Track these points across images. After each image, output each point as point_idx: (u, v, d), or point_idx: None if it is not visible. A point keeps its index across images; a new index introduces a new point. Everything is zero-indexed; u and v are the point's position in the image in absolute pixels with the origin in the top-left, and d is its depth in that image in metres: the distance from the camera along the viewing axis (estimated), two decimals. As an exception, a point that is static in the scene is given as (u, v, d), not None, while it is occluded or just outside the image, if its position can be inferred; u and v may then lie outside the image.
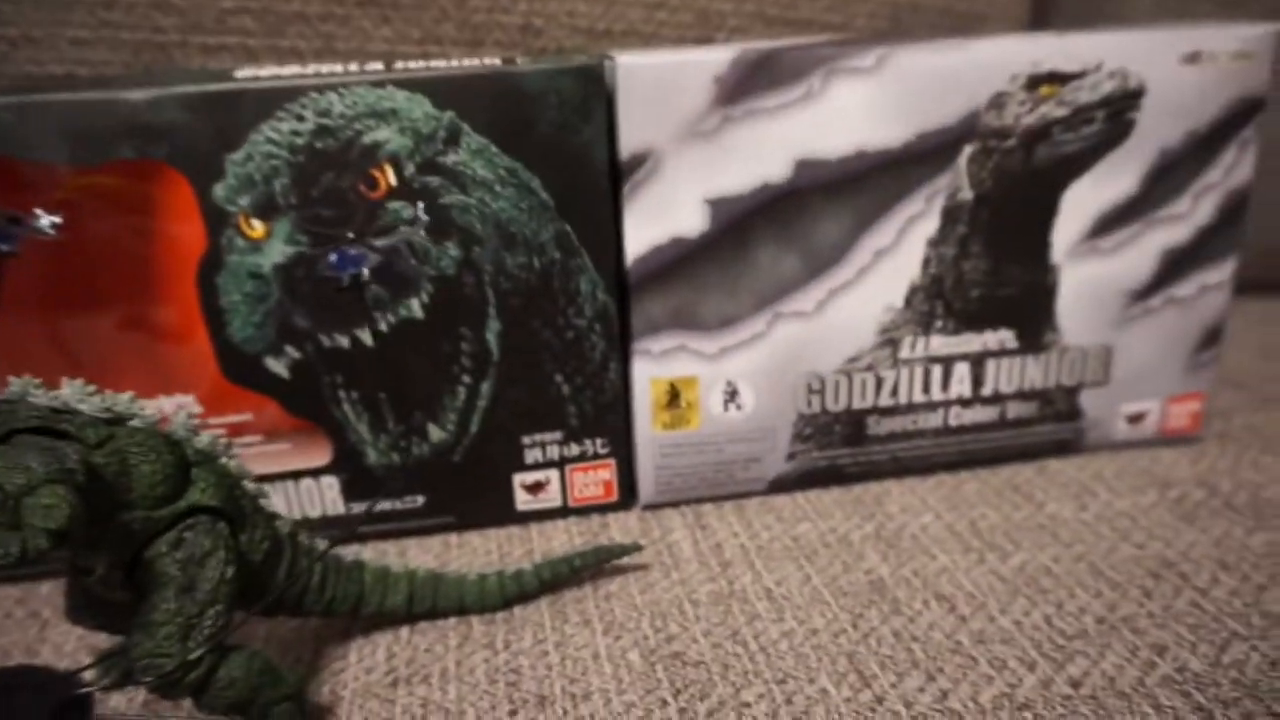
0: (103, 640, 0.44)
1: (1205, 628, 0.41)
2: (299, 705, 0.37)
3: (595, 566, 0.46)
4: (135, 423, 0.35)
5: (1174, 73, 0.49)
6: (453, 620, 0.45)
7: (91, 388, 0.34)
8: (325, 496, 0.50)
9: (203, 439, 0.37)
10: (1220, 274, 0.54)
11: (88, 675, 0.41)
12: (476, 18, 0.61)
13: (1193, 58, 0.49)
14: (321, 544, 0.41)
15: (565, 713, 0.38)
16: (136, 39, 0.57)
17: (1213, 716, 0.36)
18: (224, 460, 0.38)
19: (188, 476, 0.36)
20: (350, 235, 0.43)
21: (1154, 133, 0.50)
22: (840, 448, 0.53)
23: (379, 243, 0.44)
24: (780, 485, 0.54)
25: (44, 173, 0.42)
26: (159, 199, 0.43)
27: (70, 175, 0.42)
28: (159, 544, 0.35)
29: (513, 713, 0.39)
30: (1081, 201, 0.50)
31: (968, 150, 0.48)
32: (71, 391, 0.34)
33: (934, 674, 0.39)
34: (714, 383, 0.50)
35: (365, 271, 0.44)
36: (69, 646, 0.44)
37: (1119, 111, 0.49)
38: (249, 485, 0.38)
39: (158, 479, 0.34)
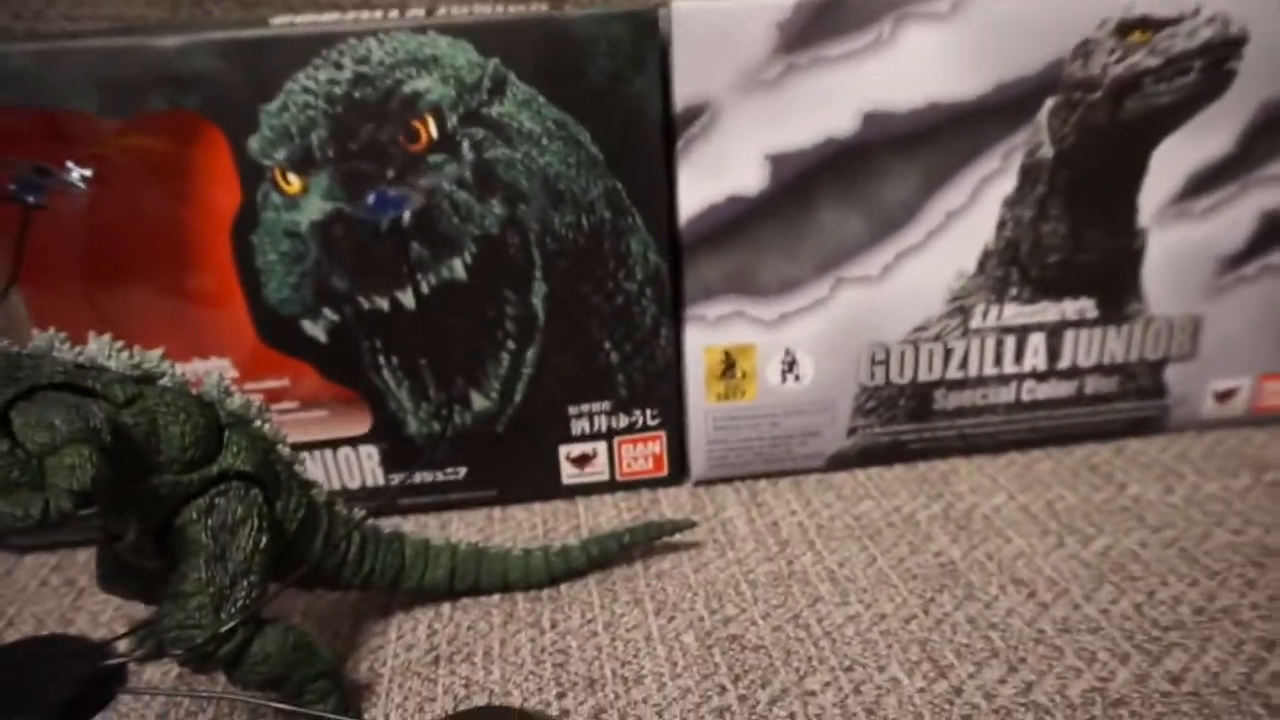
0: (140, 610, 0.43)
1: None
2: (336, 682, 0.35)
3: (646, 543, 0.44)
4: (165, 382, 0.33)
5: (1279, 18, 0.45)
6: (496, 597, 0.43)
7: (119, 344, 0.33)
8: (365, 466, 0.48)
9: (236, 401, 0.35)
10: (1323, 240, 0.49)
11: (121, 646, 0.40)
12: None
13: (1302, 0, 0.44)
14: (360, 513, 0.39)
15: (616, 697, 0.36)
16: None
17: None
18: (258, 424, 0.36)
19: (220, 440, 0.34)
20: (390, 174, 0.41)
21: (1256, 84, 0.45)
22: (905, 423, 0.50)
23: (422, 181, 0.41)
24: (840, 462, 0.51)
25: (76, 125, 0.40)
26: (193, 154, 0.41)
27: (105, 132, 0.40)
28: (190, 510, 0.33)
29: (560, 695, 0.36)
30: (1173, 160, 0.46)
31: (1049, 103, 0.45)
32: (98, 347, 0.32)
33: (1016, 665, 0.36)
34: (772, 352, 0.47)
35: (406, 215, 0.42)
36: (105, 616, 0.43)
37: (1218, 61, 0.45)
38: (284, 450, 0.36)
39: (188, 441, 0.32)
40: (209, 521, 0.33)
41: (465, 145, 0.42)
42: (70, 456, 0.28)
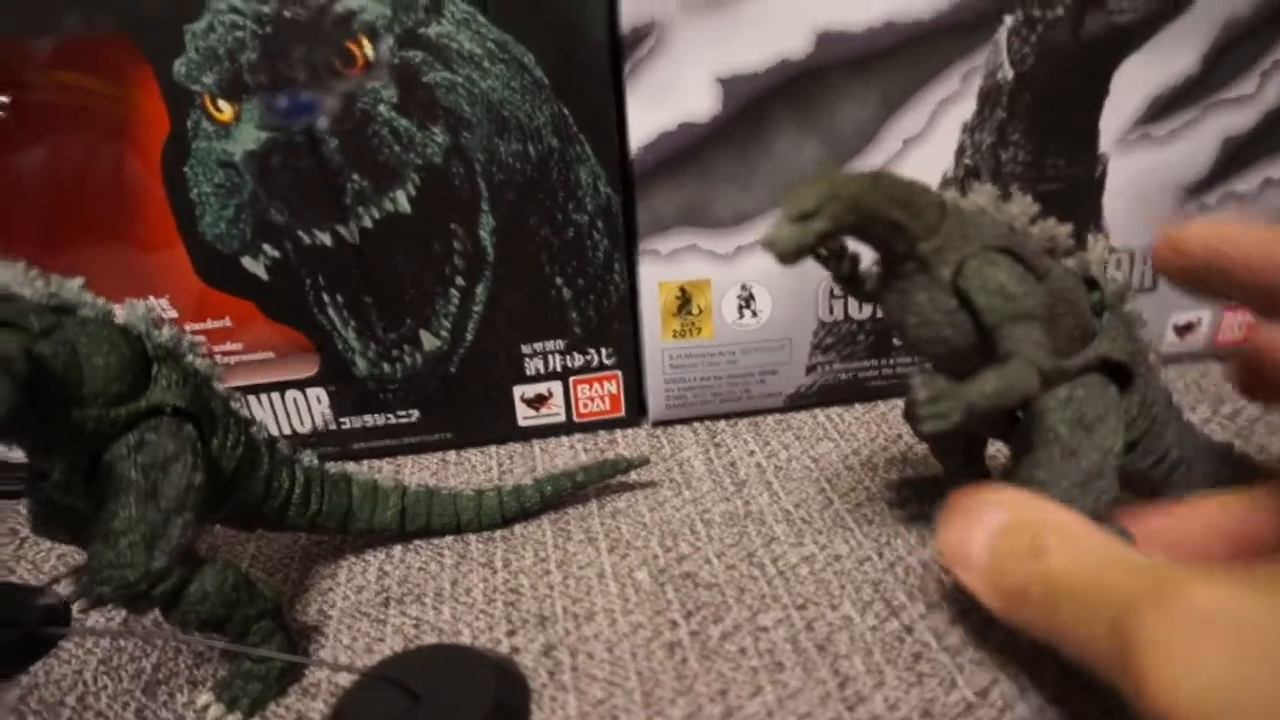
0: (82, 555, 0.42)
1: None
2: (279, 622, 0.34)
3: (601, 482, 0.43)
4: (85, 312, 0.32)
5: (1245, -68, 0.43)
6: (449, 539, 0.42)
7: (34, 272, 0.31)
8: (314, 410, 0.46)
9: (165, 333, 0.34)
10: (1285, 166, 0.49)
11: (62, 590, 0.39)
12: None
13: (1267, -86, 0.43)
14: (306, 454, 0.38)
15: (567, 633, 0.36)
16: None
17: None
18: (190, 358, 0.34)
19: (149, 374, 0.33)
20: (300, 75, 0.39)
21: (1218, 1, 0.44)
22: (865, 359, 0.50)
23: (338, 86, 0.39)
24: (799, 400, 0.50)
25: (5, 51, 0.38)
26: (118, 84, 0.39)
27: (32, 71, 0.38)
28: (118, 446, 0.31)
29: (511, 633, 0.36)
30: (1134, 81, 0.45)
31: (1009, 22, 0.43)
32: (11, 275, 0.31)
33: (967, 608, 0.36)
34: (728, 287, 0.46)
35: (321, 121, 0.40)
36: (48, 565, 0.42)
37: (1181, -22, 0.44)
38: (218, 386, 0.35)
39: (113, 373, 0.31)
40: (139, 458, 0.31)
41: (402, 69, 0.40)
42: (-23, 388, 0.27)
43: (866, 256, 0.33)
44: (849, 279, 0.34)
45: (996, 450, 0.43)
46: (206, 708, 0.33)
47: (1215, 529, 0.31)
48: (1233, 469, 0.36)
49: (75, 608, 0.38)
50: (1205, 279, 0.29)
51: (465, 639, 0.36)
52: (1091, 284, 0.33)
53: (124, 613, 0.38)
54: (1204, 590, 0.21)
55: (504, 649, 0.35)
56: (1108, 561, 0.25)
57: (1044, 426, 0.31)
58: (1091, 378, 0.32)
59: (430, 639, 0.36)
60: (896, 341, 0.49)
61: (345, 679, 0.34)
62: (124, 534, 0.31)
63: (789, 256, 0.28)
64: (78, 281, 0.32)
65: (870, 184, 0.29)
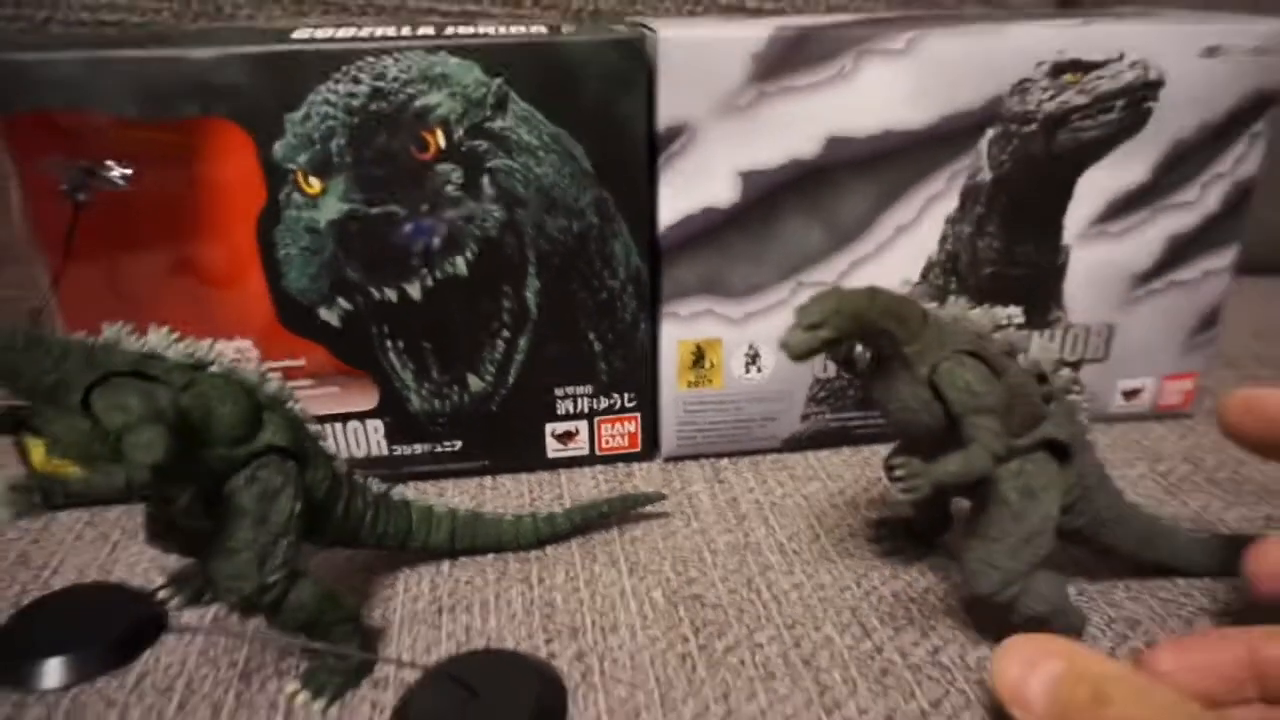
0: (171, 562, 0.48)
1: (1175, 601, 0.45)
2: (357, 626, 0.41)
3: (622, 513, 0.50)
4: (214, 369, 0.38)
5: (1193, 65, 0.51)
6: (490, 557, 0.49)
7: (175, 335, 0.38)
8: (370, 438, 0.53)
9: (272, 385, 0.40)
10: (1222, 260, 0.56)
11: (161, 594, 0.45)
12: (518, -23, 0.62)
13: (1212, 51, 0.50)
14: (375, 483, 0.45)
15: (596, 643, 0.42)
16: (188, -12, 0.58)
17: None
18: (290, 405, 0.41)
19: (260, 419, 0.39)
20: (425, 207, 0.46)
21: (1169, 123, 0.52)
22: (852, 411, 0.57)
23: (448, 214, 0.47)
24: (794, 444, 0.58)
25: (110, 124, 0.44)
26: (219, 153, 0.46)
27: (136, 129, 0.44)
28: (236, 479, 0.38)
29: (548, 641, 0.43)
30: (1095, 186, 0.53)
31: (990, 133, 0.50)
32: (158, 339, 0.37)
33: (927, 631, 0.43)
34: (737, 346, 0.53)
35: (436, 241, 0.47)
36: (140, 566, 0.48)
37: (1138, 101, 0.51)
38: (311, 428, 0.42)
39: (235, 420, 0.38)
40: (253, 489, 0.38)
41: (469, 156, 0.47)
42: (145, 434, 0.34)
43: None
44: (845, 362, 0.41)
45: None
46: (295, 695, 0.40)
47: (1243, 660, 0.35)
48: (1147, 529, 0.43)
49: (171, 608, 0.45)
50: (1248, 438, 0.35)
51: (509, 645, 0.43)
52: (1042, 378, 0.40)
53: (212, 615, 0.45)
54: None
55: (542, 654, 0.42)
56: (1169, 711, 0.29)
57: (998, 492, 0.39)
58: (1038, 454, 0.39)
59: (479, 644, 0.43)
60: (880, 396, 0.57)
61: (411, 675, 0.41)
62: (241, 551, 0.37)
63: (799, 358, 0.35)
64: (208, 342, 0.38)
65: (868, 300, 0.36)
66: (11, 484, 0.32)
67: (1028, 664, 0.33)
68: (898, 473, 0.36)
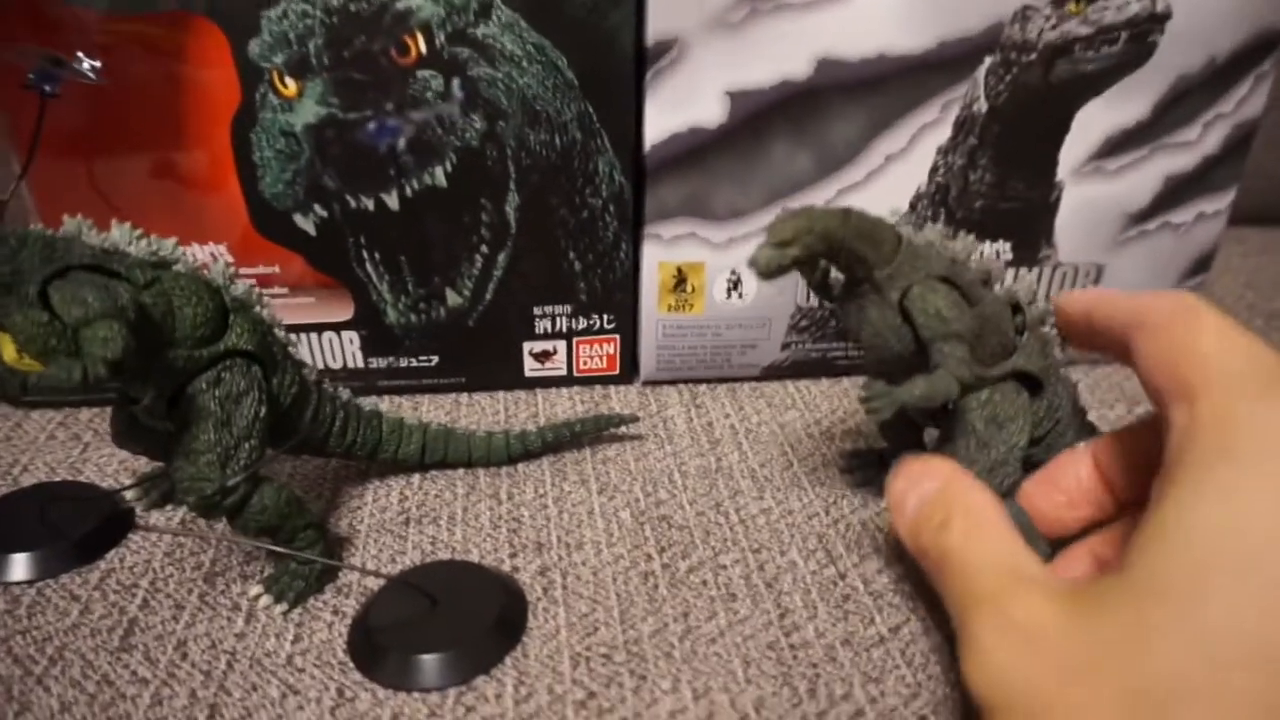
0: (141, 464, 0.48)
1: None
2: (321, 533, 0.41)
3: (595, 433, 0.50)
4: (179, 267, 0.38)
5: (1202, -2, 0.49)
6: (460, 471, 0.49)
7: (139, 231, 0.37)
8: (346, 350, 0.53)
9: (239, 287, 0.40)
10: (1218, 204, 0.55)
11: (129, 494, 0.45)
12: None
13: (1223, -16, 0.49)
14: (344, 392, 0.45)
15: (559, 558, 0.43)
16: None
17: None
18: (258, 308, 0.40)
19: (226, 321, 0.39)
20: (389, 106, 0.44)
21: (1174, 58, 0.50)
22: (833, 341, 0.56)
23: (415, 115, 0.45)
24: (773, 372, 0.57)
25: (84, 17, 0.43)
26: (196, 50, 0.44)
27: (110, 21, 0.43)
28: (199, 381, 0.38)
29: (512, 555, 0.43)
30: (1093, 122, 0.51)
31: (988, 62, 0.49)
32: (120, 234, 0.36)
33: (892, 561, 0.43)
34: (719, 270, 0.53)
35: (401, 142, 0.46)
36: (110, 467, 0.48)
37: (1142, 34, 0.49)
38: (279, 333, 0.41)
39: (200, 321, 0.37)
40: (217, 392, 0.38)
41: (451, 63, 0.45)
42: (103, 329, 0.33)
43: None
44: (819, 286, 0.41)
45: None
46: (258, 598, 0.40)
47: (1079, 491, 0.37)
48: None
49: (139, 509, 0.45)
50: (1080, 336, 0.36)
51: (474, 557, 0.43)
52: (1017, 309, 0.39)
53: (181, 518, 0.45)
54: (1026, 602, 0.28)
55: (506, 568, 0.42)
56: (987, 557, 0.31)
57: (964, 421, 0.39)
58: (1008, 384, 0.39)
59: (444, 555, 0.43)
60: (862, 329, 0.56)
61: (374, 583, 0.41)
62: (203, 454, 0.37)
63: (766, 275, 0.35)
64: (172, 240, 0.38)
65: (840, 220, 0.35)
66: (-34, 374, 0.31)
67: (912, 480, 0.35)
68: (863, 392, 0.35)
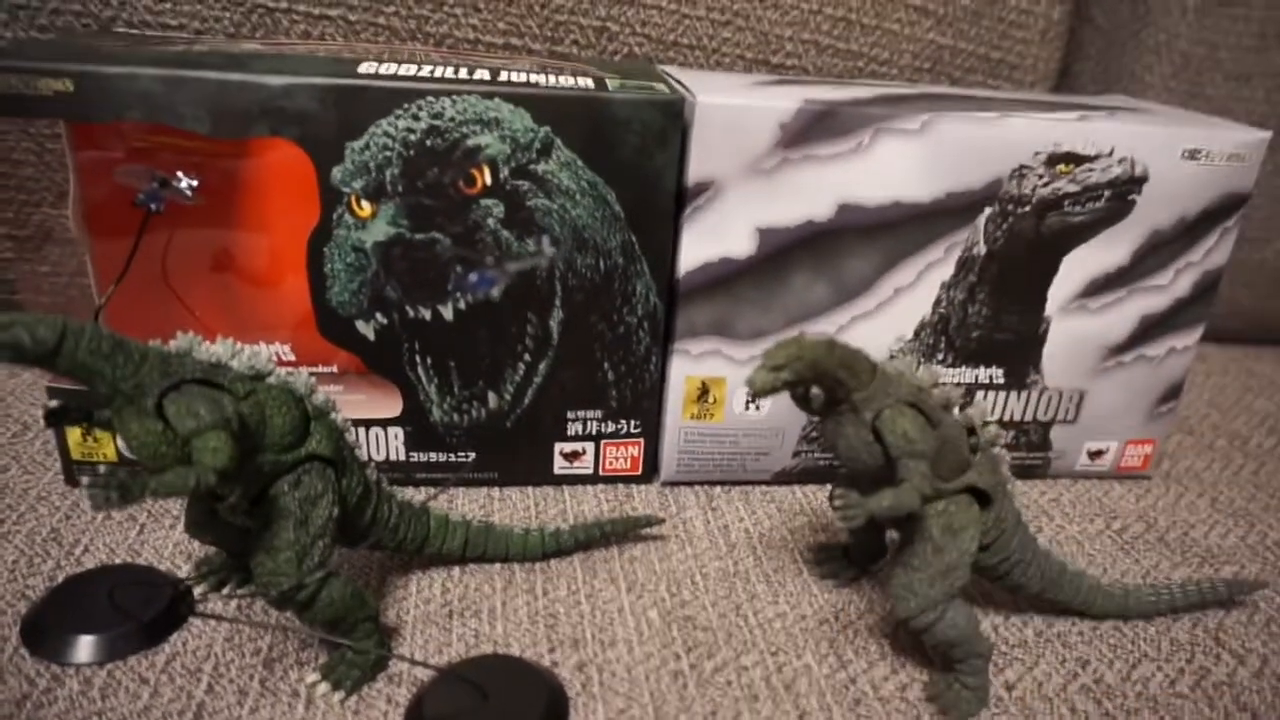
0: (194, 548, 0.51)
1: (1123, 647, 0.50)
2: (377, 625, 0.44)
3: (622, 533, 0.54)
4: (271, 380, 0.41)
5: (1174, 165, 0.55)
6: (498, 566, 0.52)
7: (238, 345, 0.41)
8: (390, 444, 0.56)
9: (319, 397, 0.43)
10: (1188, 340, 0.61)
11: (188, 580, 0.48)
12: (558, 17, 0.66)
13: (1193, 154, 0.55)
14: (418, 499, 0.48)
15: (595, 654, 0.46)
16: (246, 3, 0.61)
17: None
18: (333, 415, 0.44)
19: (308, 428, 0.42)
20: (490, 260, 0.49)
21: (1149, 214, 0.57)
22: (839, 452, 0.61)
23: (511, 266, 0.51)
24: (783, 477, 0.62)
25: (186, 140, 0.47)
26: (285, 174, 0.49)
27: (208, 143, 0.47)
28: (282, 483, 0.41)
29: (551, 650, 0.46)
30: (1078, 265, 0.57)
31: (987, 211, 0.55)
32: (224, 349, 0.40)
33: (898, 668, 0.47)
34: (740, 385, 0.57)
35: (495, 292, 0.50)
36: (166, 550, 0.51)
37: (1123, 193, 0.56)
38: (349, 438, 0.45)
39: (288, 429, 0.41)
40: (297, 494, 0.41)
41: (512, 193, 0.50)
42: (213, 440, 0.37)
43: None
44: (801, 400, 0.45)
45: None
46: (315, 684, 0.43)
47: None
48: (1055, 572, 0.49)
49: (197, 593, 0.48)
50: None
51: (515, 651, 0.46)
52: (971, 431, 0.45)
53: (237, 604, 0.48)
54: None
55: (546, 663, 0.45)
56: None
57: (923, 528, 0.44)
58: (962, 498, 0.44)
59: (487, 648, 0.46)
60: (867, 441, 0.61)
61: (423, 673, 0.44)
62: (283, 551, 0.41)
63: (760, 395, 0.40)
64: (266, 354, 0.42)
65: (826, 350, 0.40)
66: (93, 480, 0.35)
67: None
68: (837, 503, 0.40)
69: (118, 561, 0.50)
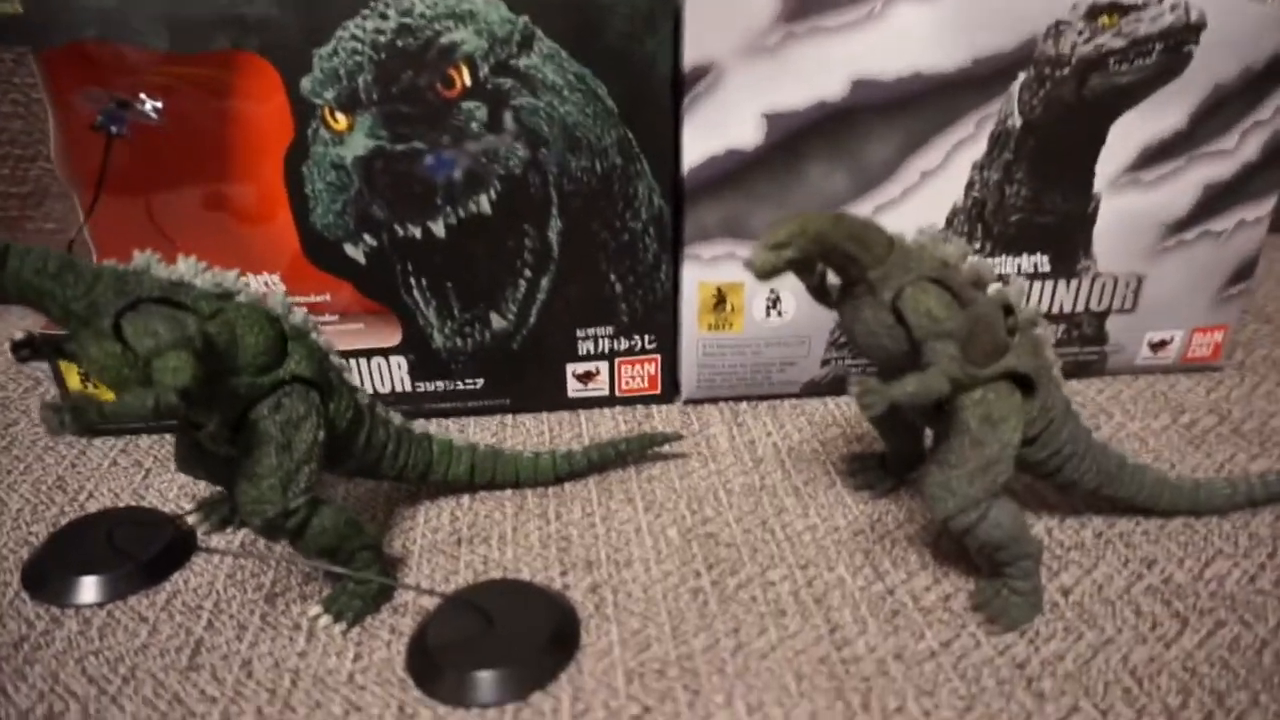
0: (200, 489, 0.50)
1: (1194, 545, 0.45)
2: (377, 553, 0.42)
3: (639, 451, 0.51)
4: (241, 298, 0.39)
5: (1236, 7, 0.49)
6: (509, 492, 0.50)
7: (203, 264, 0.38)
8: (395, 374, 0.54)
9: (296, 316, 0.41)
10: (1259, 211, 0.55)
11: (190, 518, 0.47)
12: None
13: (1257, -7, 0.49)
14: (395, 416, 0.46)
15: (609, 576, 0.43)
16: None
17: (1187, 623, 0.40)
18: (314, 336, 0.42)
19: (285, 349, 0.40)
20: (446, 139, 0.46)
21: (1209, 68, 0.50)
22: (872, 357, 0.57)
23: (469, 147, 0.47)
24: (813, 389, 0.58)
25: (145, 58, 0.45)
26: (250, 88, 0.46)
27: (169, 62, 0.45)
28: (261, 407, 0.39)
29: (563, 573, 0.44)
30: (1129, 133, 0.52)
31: (1021, 77, 0.49)
32: (187, 267, 0.38)
33: (940, 577, 0.43)
34: (758, 290, 0.53)
35: (457, 174, 0.47)
36: (171, 493, 0.50)
37: (1177, 45, 0.50)
38: (335, 359, 0.43)
39: (261, 349, 0.39)
40: (278, 417, 0.39)
41: (495, 93, 0.47)
42: (173, 359, 0.34)
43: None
44: (817, 291, 0.41)
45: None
46: (318, 617, 0.41)
47: None
48: (1115, 466, 0.44)
49: (200, 532, 0.46)
50: None
51: (525, 576, 0.44)
52: (1009, 310, 0.40)
53: (241, 540, 0.46)
54: None
55: (557, 586, 0.43)
56: None
57: (959, 420, 0.39)
58: (1001, 384, 0.39)
59: (496, 574, 0.44)
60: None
61: (429, 602, 0.42)
62: (265, 477, 0.39)
63: (763, 276, 0.36)
64: (234, 273, 0.39)
65: (833, 223, 0.36)
66: (46, 403, 0.33)
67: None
68: (854, 388, 0.36)
69: (122, 506, 0.49)
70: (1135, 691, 0.37)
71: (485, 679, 0.37)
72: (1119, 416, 0.56)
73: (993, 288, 0.39)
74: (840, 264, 0.37)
